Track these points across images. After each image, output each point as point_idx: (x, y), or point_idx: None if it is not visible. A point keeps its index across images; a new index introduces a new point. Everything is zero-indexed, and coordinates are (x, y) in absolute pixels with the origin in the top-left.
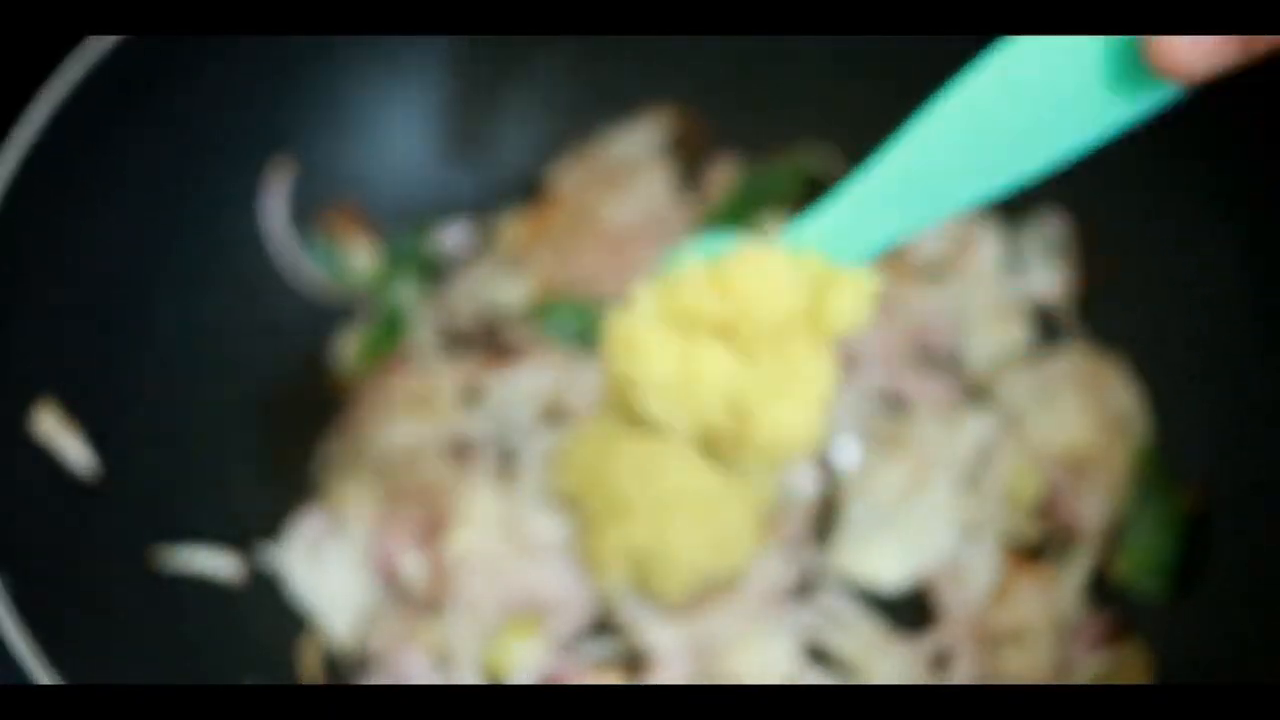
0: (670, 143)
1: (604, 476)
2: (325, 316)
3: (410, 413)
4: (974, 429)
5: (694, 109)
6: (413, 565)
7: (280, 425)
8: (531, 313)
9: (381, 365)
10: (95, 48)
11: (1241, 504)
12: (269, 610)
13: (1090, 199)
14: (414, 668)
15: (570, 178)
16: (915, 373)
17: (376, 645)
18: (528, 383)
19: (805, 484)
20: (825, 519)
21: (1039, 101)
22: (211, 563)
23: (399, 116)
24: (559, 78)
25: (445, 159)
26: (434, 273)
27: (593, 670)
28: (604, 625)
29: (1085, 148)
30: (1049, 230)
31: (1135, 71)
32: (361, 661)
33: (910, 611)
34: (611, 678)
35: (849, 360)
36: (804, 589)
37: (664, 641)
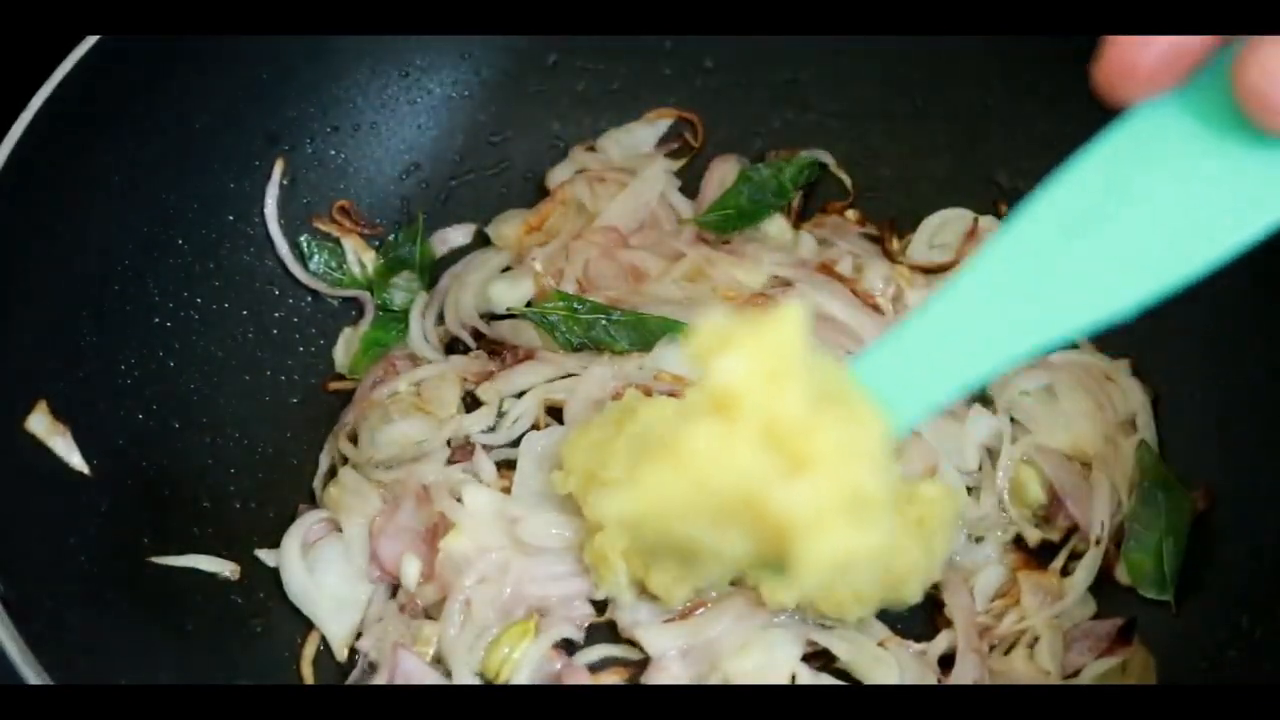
0: (670, 143)
1: (604, 476)
2: (325, 316)
3: (410, 413)
4: (977, 430)
5: (693, 111)
6: (411, 566)
7: (279, 425)
8: (531, 313)
9: (381, 365)
10: (92, 47)
11: (1242, 504)
12: (268, 610)
13: None
14: (413, 669)
15: (570, 178)
16: None
17: (375, 646)
18: (527, 383)
19: None
20: None
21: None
22: (209, 563)
23: (398, 117)
24: (560, 79)
25: (445, 159)
26: (433, 273)
27: (592, 672)
28: (604, 627)
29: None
30: None
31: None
32: (360, 662)
33: (914, 614)
34: (611, 679)
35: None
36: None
37: (663, 644)
